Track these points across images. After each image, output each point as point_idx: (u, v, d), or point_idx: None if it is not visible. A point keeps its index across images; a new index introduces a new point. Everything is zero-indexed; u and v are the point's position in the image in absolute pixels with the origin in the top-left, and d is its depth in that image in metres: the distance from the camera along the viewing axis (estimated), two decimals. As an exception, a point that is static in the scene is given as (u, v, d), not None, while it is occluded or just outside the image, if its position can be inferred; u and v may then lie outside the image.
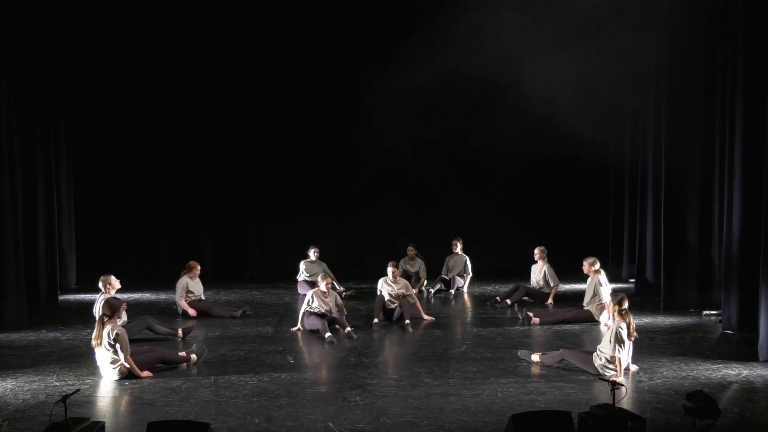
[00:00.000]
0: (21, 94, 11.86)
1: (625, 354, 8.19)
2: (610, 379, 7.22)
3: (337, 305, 10.60)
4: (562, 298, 12.78)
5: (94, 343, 8.35)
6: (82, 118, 14.90)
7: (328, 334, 10.04)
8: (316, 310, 10.50)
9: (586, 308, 11.01)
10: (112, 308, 8.40)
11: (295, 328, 10.63)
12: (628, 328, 8.15)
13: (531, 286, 12.72)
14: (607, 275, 11.44)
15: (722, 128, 10.85)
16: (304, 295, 13.26)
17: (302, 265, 13.76)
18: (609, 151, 15.30)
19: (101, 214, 15.25)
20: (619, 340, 8.05)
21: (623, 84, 14.20)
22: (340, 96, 15.29)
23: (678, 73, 11.64)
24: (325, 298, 10.59)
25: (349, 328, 10.27)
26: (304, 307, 10.63)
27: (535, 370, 8.55)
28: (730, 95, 10.17)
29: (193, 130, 15.27)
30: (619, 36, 13.02)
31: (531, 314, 11.07)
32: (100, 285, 10.04)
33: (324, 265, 13.75)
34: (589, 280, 11.15)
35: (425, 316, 11.27)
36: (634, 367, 8.38)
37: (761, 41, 9.50)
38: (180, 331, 10.23)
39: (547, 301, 12.38)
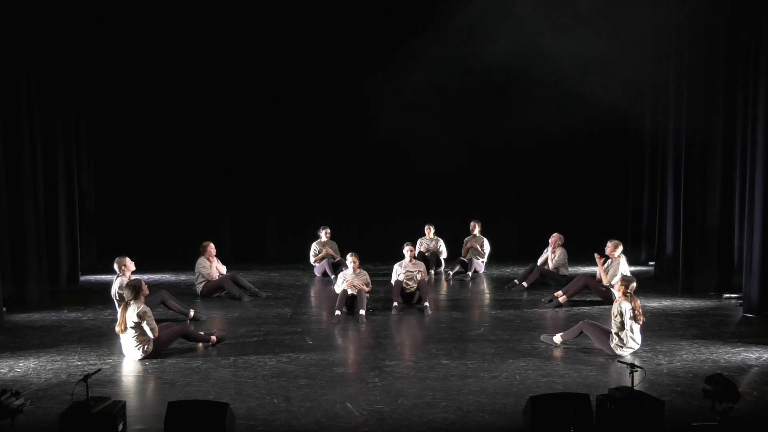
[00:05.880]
0: (41, 76, 11.93)
1: (637, 334, 8.21)
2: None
3: (360, 283, 10.63)
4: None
5: (118, 329, 8.41)
6: (103, 101, 14.99)
7: (337, 312, 10.12)
8: (344, 286, 10.60)
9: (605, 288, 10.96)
10: (135, 290, 8.45)
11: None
12: (634, 311, 8.13)
13: (546, 267, 12.55)
14: (627, 258, 11.32)
15: (745, 108, 10.70)
16: (322, 276, 13.39)
17: (314, 246, 13.79)
18: (629, 132, 15.17)
19: (122, 195, 15.41)
20: (620, 314, 8.15)
21: (644, 62, 13.95)
22: (357, 80, 15.15)
23: (700, 48, 11.46)
24: (354, 273, 10.72)
25: (362, 311, 10.22)
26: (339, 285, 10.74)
27: (555, 352, 8.54)
28: (754, 73, 9.99)
29: (212, 114, 15.33)
30: (640, 10, 12.80)
31: (555, 294, 11.05)
32: (115, 267, 10.11)
33: (335, 244, 13.78)
34: (609, 262, 11.05)
35: (426, 302, 10.75)
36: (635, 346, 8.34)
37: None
38: (191, 313, 10.31)
39: (563, 284, 12.17)
